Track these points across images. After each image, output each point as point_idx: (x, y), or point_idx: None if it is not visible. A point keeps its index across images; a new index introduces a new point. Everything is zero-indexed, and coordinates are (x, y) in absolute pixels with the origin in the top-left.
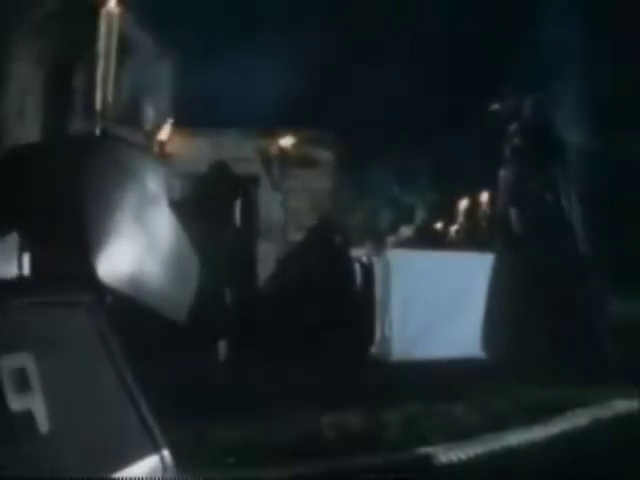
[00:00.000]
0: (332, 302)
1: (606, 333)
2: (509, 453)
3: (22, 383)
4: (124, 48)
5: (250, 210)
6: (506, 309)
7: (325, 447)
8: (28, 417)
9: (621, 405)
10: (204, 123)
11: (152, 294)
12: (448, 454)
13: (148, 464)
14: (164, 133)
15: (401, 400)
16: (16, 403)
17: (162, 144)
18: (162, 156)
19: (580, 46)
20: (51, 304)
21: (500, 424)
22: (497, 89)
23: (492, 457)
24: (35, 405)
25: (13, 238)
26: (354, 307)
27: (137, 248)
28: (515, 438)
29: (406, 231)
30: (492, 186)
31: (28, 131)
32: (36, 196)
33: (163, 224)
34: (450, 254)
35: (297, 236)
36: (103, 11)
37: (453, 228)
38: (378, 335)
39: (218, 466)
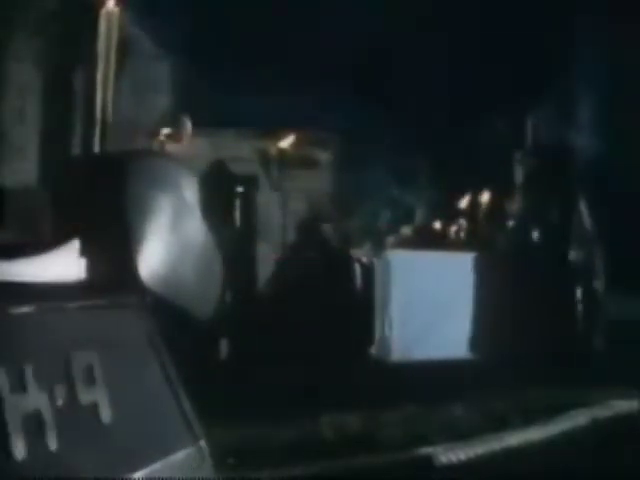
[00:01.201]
0: (332, 302)
1: (604, 333)
2: (509, 453)
3: (89, 378)
4: (124, 48)
5: (249, 210)
6: (503, 309)
7: (325, 447)
8: (94, 408)
9: (621, 405)
10: (204, 123)
11: (187, 295)
12: (448, 454)
13: (187, 453)
14: (164, 134)
15: (401, 400)
16: (84, 395)
17: (162, 144)
18: (166, 155)
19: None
20: (108, 306)
21: (500, 424)
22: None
23: (492, 457)
24: (99, 398)
25: (74, 245)
26: (354, 307)
27: (175, 253)
28: (515, 438)
29: (406, 231)
30: (492, 186)
31: (28, 131)
32: (85, 205)
33: (197, 230)
34: (450, 254)
35: (296, 236)
36: (103, 11)
37: (453, 228)
38: (378, 335)
39: (218, 466)
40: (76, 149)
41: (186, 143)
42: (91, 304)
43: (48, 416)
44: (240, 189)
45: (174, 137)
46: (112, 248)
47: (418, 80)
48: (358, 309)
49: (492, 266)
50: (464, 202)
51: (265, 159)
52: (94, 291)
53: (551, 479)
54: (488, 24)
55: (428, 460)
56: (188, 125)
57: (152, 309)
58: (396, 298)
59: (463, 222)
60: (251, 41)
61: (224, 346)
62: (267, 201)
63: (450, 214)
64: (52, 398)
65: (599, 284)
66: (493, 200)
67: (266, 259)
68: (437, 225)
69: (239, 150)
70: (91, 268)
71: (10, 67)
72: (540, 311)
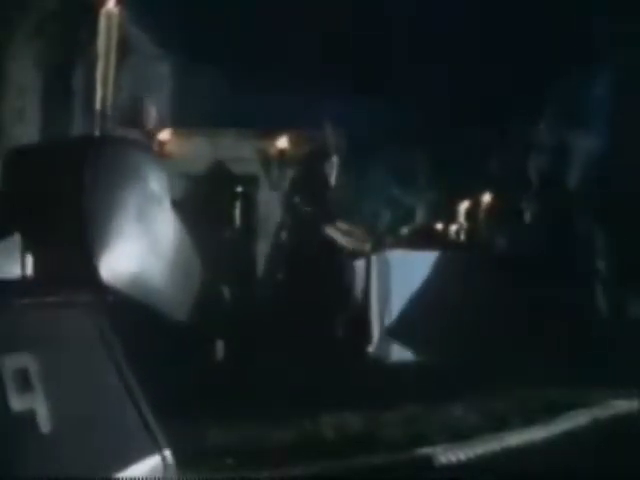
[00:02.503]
0: (332, 302)
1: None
2: (509, 453)
3: (24, 383)
4: (124, 48)
5: (249, 210)
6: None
7: (325, 447)
8: (30, 417)
9: (621, 405)
10: (204, 123)
11: (154, 294)
12: (448, 454)
13: (149, 464)
14: (164, 133)
15: (401, 400)
16: (18, 403)
17: (162, 144)
18: (162, 156)
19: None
20: (53, 304)
21: (500, 424)
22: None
23: (492, 457)
24: (37, 405)
25: (15, 239)
26: (354, 307)
27: (139, 248)
28: (515, 438)
29: (406, 231)
30: (492, 186)
31: (28, 131)
32: (37, 197)
33: (166, 224)
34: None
35: (296, 236)
36: (102, 11)
37: (453, 228)
38: (378, 335)
39: (218, 466)
40: None
41: (150, 128)
42: (30, 302)
43: None
44: (240, 189)
45: (136, 122)
46: (62, 242)
47: (418, 80)
48: (358, 309)
49: (491, 266)
50: (464, 202)
51: (265, 159)
52: (37, 289)
53: (551, 479)
54: (489, 24)
55: (428, 460)
56: (152, 110)
57: (115, 308)
58: (396, 298)
59: (463, 222)
60: (251, 41)
61: (224, 346)
62: (267, 201)
63: (450, 214)
64: None
65: (597, 282)
66: (493, 200)
67: (266, 258)
68: (437, 225)
69: (239, 150)
70: (37, 264)
71: (10, 67)
72: (535, 312)
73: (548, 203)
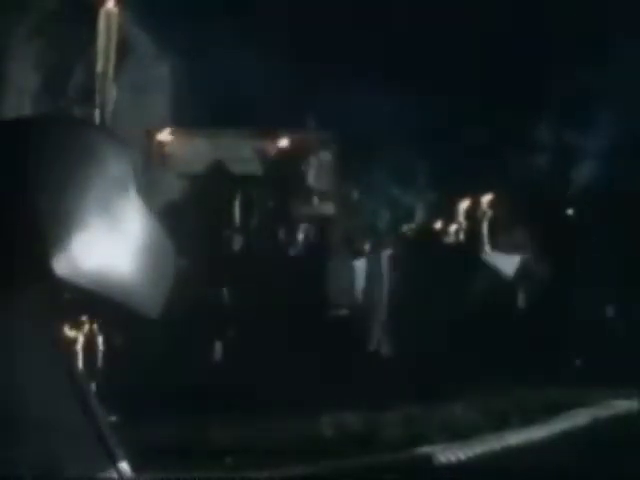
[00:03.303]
0: (332, 302)
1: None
2: (509, 453)
3: None
4: (124, 48)
5: (249, 210)
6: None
7: (325, 447)
8: None
9: (621, 405)
10: (203, 123)
11: (118, 287)
12: (448, 454)
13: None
14: (164, 134)
15: (401, 400)
16: None
17: (161, 144)
18: (162, 156)
19: None
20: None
21: (500, 424)
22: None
23: (492, 457)
24: None
25: None
26: (354, 307)
27: (100, 238)
28: (515, 438)
29: (406, 231)
30: (492, 186)
31: None
32: None
33: (131, 212)
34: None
35: (296, 236)
36: (102, 11)
37: (453, 228)
38: (378, 335)
39: (218, 466)
40: None
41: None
42: None
43: None
44: (240, 189)
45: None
46: (9, 235)
47: (419, 80)
48: (358, 309)
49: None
50: (464, 202)
51: (265, 159)
52: None
53: (551, 479)
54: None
55: (428, 460)
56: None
57: (72, 305)
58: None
59: (463, 222)
60: (250, 41)
61: (223, 346)
62: (267, 201)
63: (450, 214)
64: None
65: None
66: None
67: (265, 258)
68: (437, 225)
69: (239, 150)
70: None
71: (10, 67)
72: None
73: (546, 201)
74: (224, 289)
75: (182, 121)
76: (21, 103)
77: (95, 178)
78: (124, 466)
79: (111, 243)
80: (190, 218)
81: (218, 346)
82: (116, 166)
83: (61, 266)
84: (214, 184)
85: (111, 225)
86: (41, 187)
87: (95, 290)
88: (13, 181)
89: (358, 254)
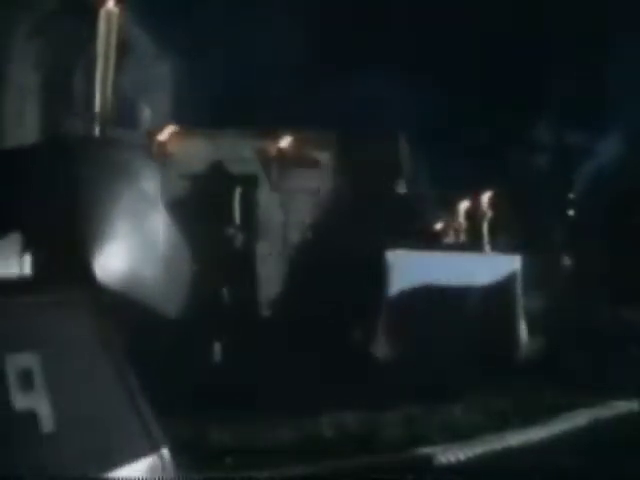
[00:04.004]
0: (332, 302)
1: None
2: (509, 453)
3: (26, 383)
4: (123, 48)
5: (249, 210)
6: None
7: (325, 447)
8: (31, 416)
9: (621, 405)
10: (204, 123)
11: (147, 292)
12: (448, 454)
13: (147, 462)
14: (164, 134)
15: (401, 400)
16: (20, 402)
17: (162, 144)
18: (162, 156)
19: None
20: (54, 304)
21: (500, 424)
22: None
23: (492, 457)
24: (39, 405)
25: (15, 238)
26: (354, 307)
27: (133, 247)
28: (515, 438)
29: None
30: (492, 186)
31: (28, 131)
32: (35, 196)
33: (159, 223)
34: (450, 254)
35: (296, 236)
36: (102, 11)
37: (453, 228)
38: (378, 335)
39: (218, 466)
40: None
41: (143, 130)
42: (33, 302)
43: None
44: (240, 189)
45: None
46: (60, 243)
47: (418, 80)
48: (358, 309)
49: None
50: (464, 202)
51: (265, 159)
52: (37, 288)
53: (551, 479)
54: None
55: (428, 460)
56: (146, 112)
57: (110, 307)
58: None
59: (463, 222)
60: (251, 41)
61: (224, 346)
62: (267, 201)
63: (450, 214)
64: None
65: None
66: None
67: (266, 258)
68: (437, 225)
69: (239, 150)
70: (35, 264)
71: (10, 67)
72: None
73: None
74: (224, 289)
75: (182, 121)
76: (21, 103)
77: (129, 194)
78: (165, 451)
79: (141, 251)
80: (190, 218)
81: (217, 346)
82: (147, 182)
83: (100, 271)
84: (214, 184)
85: (142, 235)
86: (83, 202)
87: (127, 293)
88: (60, 196)
89: (358, 254)
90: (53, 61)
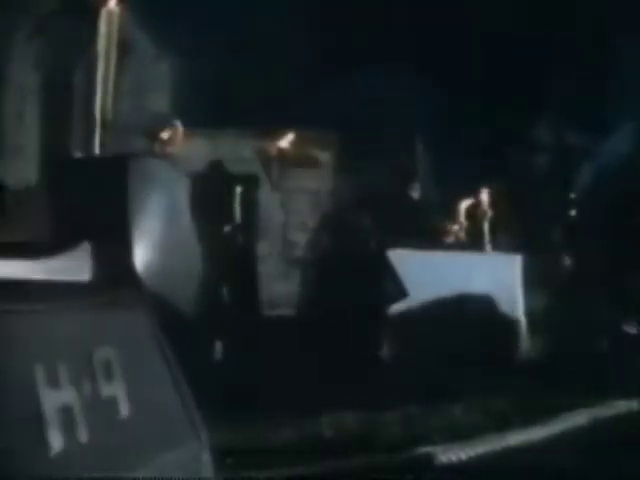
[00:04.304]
0: (331, 302)
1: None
2: (509, 453)
3: (108, 373)
4: (124, 48)
5: (249, 210)
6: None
7: (325, 447)
8: (114, 403)
9: (621, 405)
10: (204, 123)
11: (173, 292)
12: (448, 454)
13: (190, 447)
14: (166, 134)
15: (401, 400)
16: (105, 390)
17: (162, 144)
18: (162, 156)
19: None
20: (119, 304)
21: (500, 424)
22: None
23: (492, 457)
24: (118, 392)
25: (85, 247)
26: (353, 307)
27: (166, 252)
28: (515, 438)
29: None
30: (492, 186)
31: (28, 131)
32: (99, 207)
33: (184, 228)
34: (450, 254)
35: (297, 236)
36: (103, 11)
37: (453, 228)
38: (378, 335)
39: (218, 466)
40: (76, 149)
41: (178, 146)
42: (103, 302)
43: (77, 410)
44: (240, 189)
45: (168, 141)
46: (117, 248)
47: (418, 80)
48: (358, 309)
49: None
50: (465, 202)
51: (265, 159)
52: (103, 290)
53: (551, 479)
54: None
55: (428, 460)
56: (180, 129)
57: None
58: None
59: (463, 222)
60: (250, 41)
61: (224, 346)
62: (268, 201)
63: (450, 214)
64: (80, 393)
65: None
66: (493, 201)
67: (266, 258)
68: (437, 225)
69: (239, 150)
70: (98, 268)
71: (10, 67)
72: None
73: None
74: (224, 289)
75: (182, 121)
76: (21, 103)
77: (166, 204)
78: (204, 437)
79: (171, 255)
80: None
81: (217, 346)
82: (175, 192)
83: (143, 274)
84: (214, 184)
85: (172, 241)
86: (132, 212)
87: (159, 292)
88: (115, 207)
89: (358, 254)
90: (53, 61)
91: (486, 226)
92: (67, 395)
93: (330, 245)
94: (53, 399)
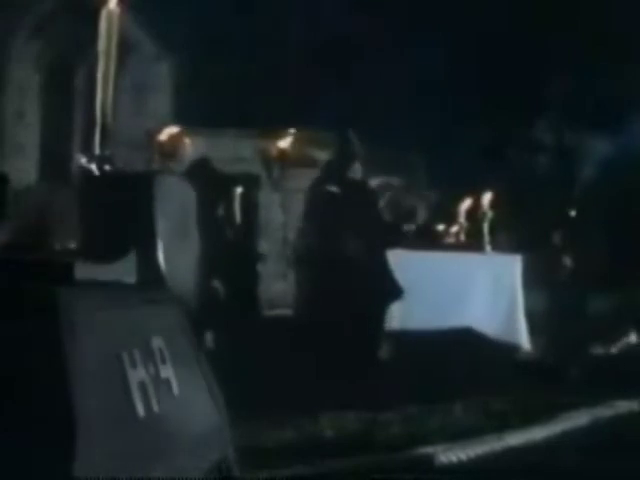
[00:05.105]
0: (331, 302)
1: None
2: (509, 453)
3: (163, 358)
4: (124, 48)
5: (249, 210)
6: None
7: (325, 447)
8: (169, 383)
9: (621, 405)
10: (203, 123)
11: (182, 291)
12: (448, 454)
13: (216, 425)
14: (165, 134)
15: (401, 400)
16: (163, 373)
17: (162, 144)
18: (162, 156)
19: None
20: (159, 302)
21: (500, 424)
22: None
23: (492, 457)
24: (170, 375)
25: (132, 256)
26: (354, 307)
27: (180, 255)
28: (515, 438)
29: (407, 231)
30: (492, 186)
31: (28, 131)
32: (138, 219)
33: (193, 233)
34: (450, 254)
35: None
36: (103, 11)
37: (453, 228)
38: (378, 335)
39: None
40: (76, 149)
41: (178, 146)
42: (151, 299)
43: (148, 386)
44: (240, 189)
45: (167, 141)
46: (151, 255)
47: (418, 79)
48: (357, 309)
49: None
50: (464, 203)
51: (266, 159)
52: (148, 289)
53: (551, 479)
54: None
55: (428, 460)
56: (187, 142)
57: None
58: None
59: (463, 222)
60: (251, 41)
61: (223, 345)
62: (268, 200)
63: (450, 214)
64: (148, 373)
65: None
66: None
67: (266, 258)
68: (437, 225)
69: (239, 150)
70: (142, 272)
71: (10, 67)
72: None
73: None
74: (224, 289)
75: (182, 121)
76: (21, 103)
77: (176, 209)
78: (224, 415)
79: (184, 257)
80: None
81: (217, 345)
82: (186, 201)
83: (166, 276)
84: (214, 184)
85: (184, 238)
86: (159, 224)
87: (177, 292)
88: (145, 218)
89: (358, 255)
90: (53, 61)
91: (486, 226)
92: (141, 374)
93: (327, 244)
94: (134, 377)
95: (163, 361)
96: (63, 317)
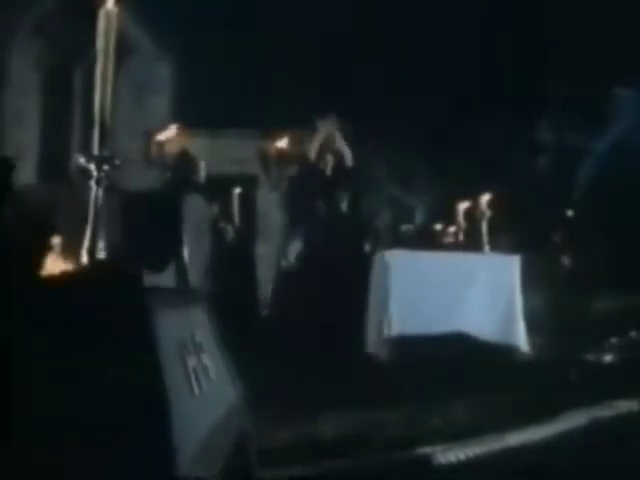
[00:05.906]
0: (331, 302)
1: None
2: (509, 453)
3: (202, 348)
4: (124, 48)
5: (249, 210)
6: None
7: (325, 447)
8: (207, 369)
9: (621, 405)
10: (203, 123)
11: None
12: (448, 454)
13: (236, 400)
14: (164, 134)
15: (400, 400)
16: (204, 360)
17: (161, 144)
18: (162, 156)
19: None
20: (192, 302)
21: (500, 424)
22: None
23: (492, 457)
24: (208, 362)
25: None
26: (353, 307)
27: (194, 247)
28: (515, 438)
29: (406, 231)
30: (491, 187)
31: (27, 131)
32: (175, 234)
33: (206, 235)
34: (450, 254)
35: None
36: (102, 11)
37: (453, 228)
38: (378, 335)
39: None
40: (76, 149)
41: (177, 146)
42: (187, 300)
43: (198, 370)
44: (240, 189)
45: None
46: (181, 262)
47: (419, 79)
48: (358, 309)
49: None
50: (464, 203)
51: (265, 159)
52: (188, 292)
53: (551, 479)
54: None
55: (428, 460)
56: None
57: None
58: (395, 298)
59: (462, 223)
60: (250, 41)
61: (223, 345)
62: (266, 200)
63: (450, 215)
64: (197, 360)
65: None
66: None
67: (265, 258)
68: (437, 225)
69: (239, 150)
70: (179, 277)
71: (10, 67)
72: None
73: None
74: (224, 289)
75: (182, 121)
76: (21, 103)
77: (194, 218)
78: (239, 389)
79: (198, 258)
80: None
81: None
82: (201, 211)
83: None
84: (213, 185)
85: (200, 239)
86: (186, 235)
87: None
88: (175, 232)
89: (357, 254)
90: (53, 61)
91: (485, 227)
92: (194, 360)
93: (325, 244)
94: (190, 362)
95: (203, 351)
96: (150, 315)
